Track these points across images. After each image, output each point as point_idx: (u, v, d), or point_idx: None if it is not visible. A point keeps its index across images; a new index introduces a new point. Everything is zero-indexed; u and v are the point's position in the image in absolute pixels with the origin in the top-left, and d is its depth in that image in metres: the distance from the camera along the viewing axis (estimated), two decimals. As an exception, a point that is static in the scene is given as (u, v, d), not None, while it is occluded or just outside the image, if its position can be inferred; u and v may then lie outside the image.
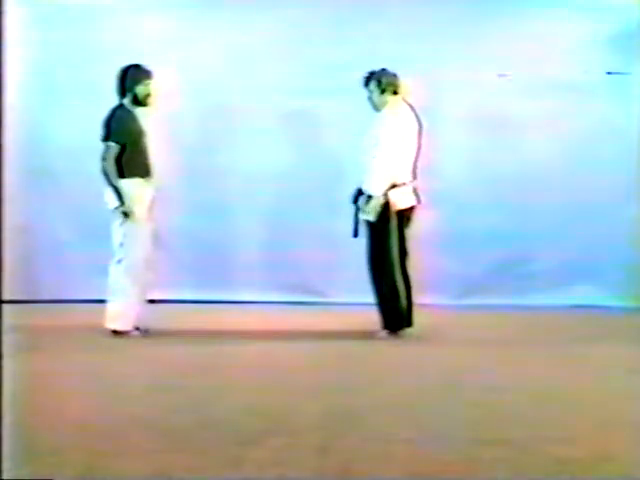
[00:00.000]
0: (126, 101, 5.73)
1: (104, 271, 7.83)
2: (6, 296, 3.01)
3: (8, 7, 2.96)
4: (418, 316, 5.93)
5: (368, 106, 5.78)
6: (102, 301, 7.53)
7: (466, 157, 7.84)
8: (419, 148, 5.79)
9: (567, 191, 7.74)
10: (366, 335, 5.48)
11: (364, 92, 5.77)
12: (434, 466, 2.83)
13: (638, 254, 7.59)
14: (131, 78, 5.71)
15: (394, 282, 5.50)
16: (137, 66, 5.75)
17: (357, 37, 7.68)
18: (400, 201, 5.58)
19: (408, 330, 5.87)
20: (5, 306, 3.07)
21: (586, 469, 2.81)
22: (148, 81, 5.72)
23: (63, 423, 3.33)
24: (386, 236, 5.53)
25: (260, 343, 5.55)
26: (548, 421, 3.47)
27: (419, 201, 5.77)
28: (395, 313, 5.53)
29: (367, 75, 5.69)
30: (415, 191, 5.72)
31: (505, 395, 4.00)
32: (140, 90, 5.71)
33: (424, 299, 7.38)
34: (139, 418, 3.45)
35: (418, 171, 5.83)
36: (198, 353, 5.23)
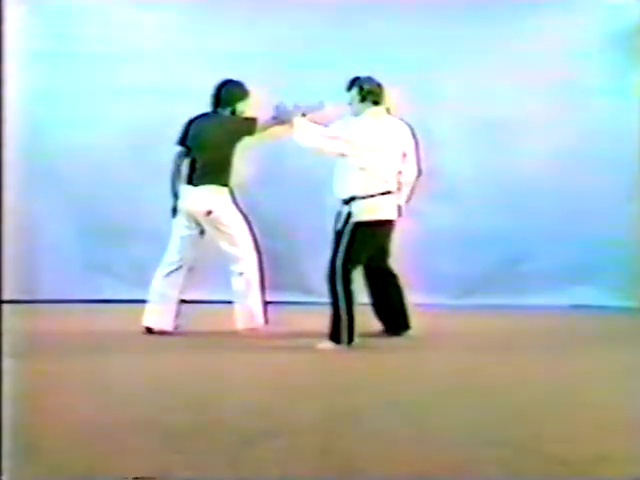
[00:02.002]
0: (222, 111, 5.91)
1: (104, 271, 7.88)
2: (6, 296, 3.01)
3: (8, 6, 2.96)
4: (417, 316, 5.93)
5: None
6: (102, 301, 7.58)
7: (466, 157, 7.85)
8: (409, 163, 5.62)
9: (567, 191, 7.75)
10: (365, 336, 5.48)
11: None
12: (434, 466, 2.83)
13: (638, 254, 7.59)
14: (232, 94, 5.92)
15: (335, 293, 5.32)
16: (239, 84, 5.94)
17: (356, 41, 7.69)
18: (363, 213, 5.37)
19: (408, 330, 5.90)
20: (5, 306, 3.07)
21: (586, 469, 2.81)
22: (248, 100, 5.94)
23: (63, 423, 3.33)
24: (336, 246, 5.38)
25: (259, 343, 5.55)
26: (548, 421, 3.47)
27: (400, 214, 5.56)
28: (335, 323, 5.32)
29: (351, 80, 5.54)
30: (393, 204, 5.50)
31: (505, 395, 4.00)
32: (240, 106, 5.92)
33: (424, 299, 7.41)
34: (139, 418, 3.45)
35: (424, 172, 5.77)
36: (197, 353, 5.23)
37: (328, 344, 5.30)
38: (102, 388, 4.10)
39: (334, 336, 5.31)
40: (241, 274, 5.86)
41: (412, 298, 7.31)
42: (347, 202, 5.41)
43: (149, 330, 5.86)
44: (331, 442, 3.08)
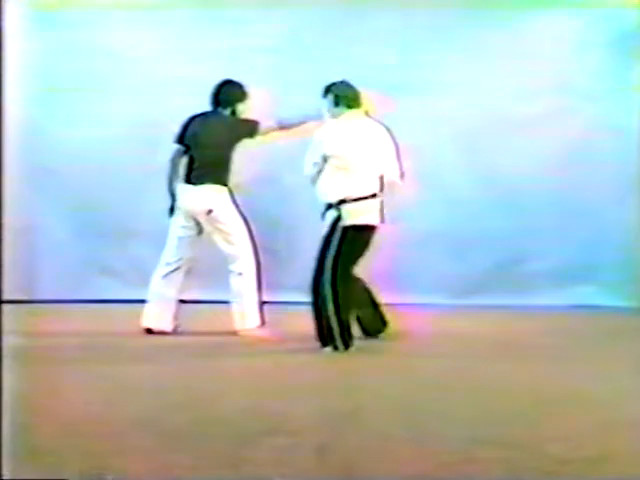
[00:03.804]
0: (223, 111, 5.93)
1: (104, 271, 7.88)
2: (6, 296, 3.01)
3: (8, 7, 2.96)
4: (417, 316, 5.93)
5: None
6: (102, 301, 7.58)
7: (466, 157, 7.85)
8: (390, 165, 5.45)
9: (567, 191, 7.75)
10: (364, 335, 5.48)
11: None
12: (434, 466, 2.83)
13: (638, 254, 7.60)
14: (232, 94, 5.93)
15: (324, 298, 5.21)
16: (239, 84, 5.96)
17: (356, 41, 7.70)
18: (351, 217, 5.25)
19: (405, 330, 5.89)
20: (5, 306, 3.07)
21: (586, 469, 2.81)
22: (247, 101, 5.96)
23: (63, 423, 3.33)
24: (325, 250, 5.26)
25: (258, 344, 5.55)
26: (548, 421, 3.47)
27: (382, 220, 5.40)
28: (321, 328, 5.24)
29: (326, 87, 5.47)
30: (379, 209, 5.37)
31: (505, 395, 4.00)
32: (240, 107, 5.94)
33: (424, 299, 7.42)
34: (139, 418, 3.45)
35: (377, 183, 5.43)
36: (196, 354, 5.23)
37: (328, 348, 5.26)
38: (102, 388, 4.10)
39: (330, 342, 5.24)
40: (240, 274, 5.86)
41: (412, 298, 7.33)
42: (332, 206, 5.31)
43: (149, 330, 5.86)
44: (329, 443, 3.08)
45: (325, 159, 5.29)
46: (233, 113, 5.95)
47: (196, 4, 7.86)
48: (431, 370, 4.71)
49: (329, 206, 5.34)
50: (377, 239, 5.36)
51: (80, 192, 7.79)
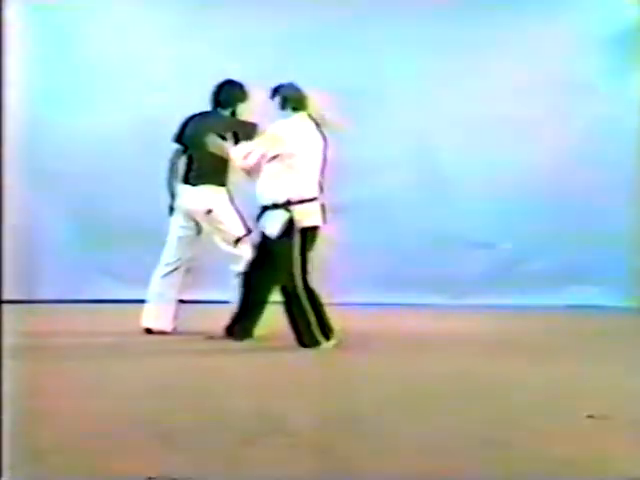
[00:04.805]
0: (222, 112, 5.93)
1: (104, 271, 7.88)
2: (6, 296, 3.01)
3: (8, 7, 2.96)
4: (417, 316, 5.93)
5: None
6: (102, 301, 7.58)
7: (465, 157, 7.86)
8: (323, 166, 5.47)
9: (567, 191, 7.76)
10: (364, 335, 5.49)
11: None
12: (434, 466, 2.83)
13: (638, 254, 7.60)
14: (232, 95, 5.94)
15: (298, 298, 5.28)
16: (239, 85, 5.97)
17: (355, 40, 7.70)
18: (305, 218, 5.31)
19: (400, 331, 5.89)
20: (5, 306, 3.07)
21: (586, 469, 2.81)
22: (248, 101, 5.97)
23: (63, 423, 3.33)
24: (287, 251, 5.28)
25: (257, 343, 5.55)
26: (548, 421, 3.47)
27: (324, 221, 5.44)
28: (309, 328, 5.31)
29: (273, 89, 5.49)
30: (322, 209, 5.42)
31: (505, 395, 4.00)
32: (241, 108, 5.96)
33: (423, 299, 7.42)
34: (139, 418, 3.45)
35: (330, 184, 5.52)
36: (196, 354, 5.23)
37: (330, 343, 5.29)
38: (102, 388, 4.10)
39: (310, 340, 5.28)
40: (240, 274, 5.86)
41: (413, 298, 7.33)
42: (277, 206, 5.32)
43: (149, 330, 5.87)
44: (329, 442, 3.08)
45: (276, 156, 5.30)
46: (233, 114, 5.94)
47: (196, 3, 7.86)
48: (430, 370, 4.71)
49: (273, 206, 5.32)
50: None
51: (80, 192, 7.80)
